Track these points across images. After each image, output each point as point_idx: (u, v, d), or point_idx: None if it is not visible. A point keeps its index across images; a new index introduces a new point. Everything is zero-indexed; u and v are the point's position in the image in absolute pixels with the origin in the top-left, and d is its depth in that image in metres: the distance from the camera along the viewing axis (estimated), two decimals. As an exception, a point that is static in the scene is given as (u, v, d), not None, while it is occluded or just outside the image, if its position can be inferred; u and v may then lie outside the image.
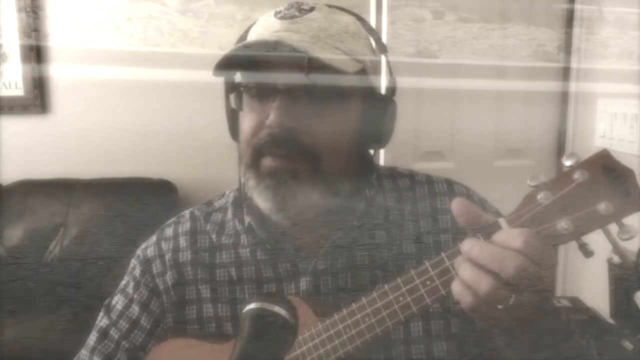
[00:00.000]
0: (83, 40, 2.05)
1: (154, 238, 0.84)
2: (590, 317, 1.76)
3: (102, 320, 0.82)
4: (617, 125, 1.89)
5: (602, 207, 0.55)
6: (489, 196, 0.81)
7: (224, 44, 2.02)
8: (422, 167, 2.05)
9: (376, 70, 0.77)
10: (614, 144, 1.88)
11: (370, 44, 0.76)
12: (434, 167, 2.07)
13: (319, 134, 0.69)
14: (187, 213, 0.85)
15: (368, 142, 0.78)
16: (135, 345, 0.79)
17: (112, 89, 2.10)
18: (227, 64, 0.69)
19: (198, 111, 2.05)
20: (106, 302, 0.84)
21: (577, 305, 1.87)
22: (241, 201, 0.80)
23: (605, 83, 1.99)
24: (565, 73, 2.20)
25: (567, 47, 2.18)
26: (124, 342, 0.80)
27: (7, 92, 2.08)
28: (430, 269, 0.61)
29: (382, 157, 1.88)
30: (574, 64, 2.16)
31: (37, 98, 2.09)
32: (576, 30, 2.13)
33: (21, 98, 2.08)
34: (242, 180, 0.74)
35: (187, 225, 0.83)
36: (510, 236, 0.55)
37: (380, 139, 0.76)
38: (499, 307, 0.55)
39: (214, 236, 0.81)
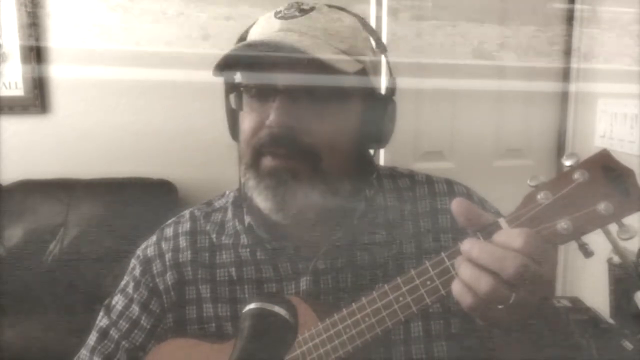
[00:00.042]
0: (83, 40, 2.05)
1: (154, 238, 0.84)
2: (590, 317, 1.76)
3: (102, 320, 0.82)
4: (617, 125, 1.89)
5: (602, 207, 0.55)
6: (489, 196, 0.81)
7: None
8: (422, 167, 2.05)
9: (376, 70, 0.77)
10: (614, 144, 1.88)
11: (371, 44, 0.76)
12: (434, 167, 2.07)
13: (319, 133, 0.69)
14: (187, 213, 0.85)
15: (368, 142, 0.78)
16: (135, 345, 0.79)
17: (112, 89, 2.10)
18: (227, 64, 0.69)
19: (198, 111, 2.05)
20: (106, 302, 0.84)
21: (577, 305, 1.87)
22: (241, 201, 0.80)
23: (605, 83, 1.99)
24: (565, 73, 2.20)
25: (566, 47, 2.18)
26: (123, 342, 0.80)
27: (7, 92, 2.08)
28: (430, 268, 0.61)
29: (382, 157, 1.89)
30: (574, 64, 2.17)
31: (37, 98, 2.09)
32: (576, 30, 2.13)
33: (21, 98, 2.08)
34: (242, 180, 0.74)
35: (187, 225, 0.83)
36: (511, 236, 0.55)
37: (380, 138, 0.76)
38: (499, 307, 0.55)
39: (214, 236, 0.81)
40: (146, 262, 0.82)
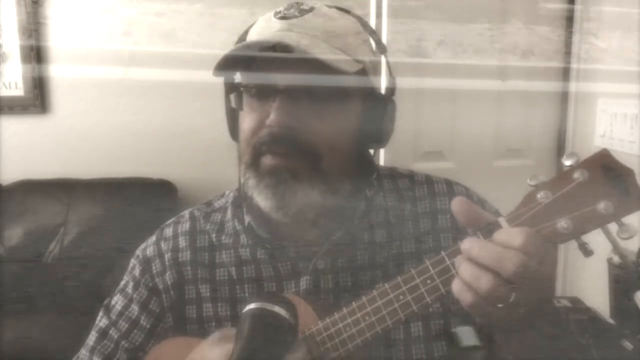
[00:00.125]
0: (83, 39, 2.05)
1: (153, 238, 0.84)
2: (590, 317, 1.76)
3: (101, 320, 0.82)
4: (617, 125, 1.89)
5: (602, 206, 0.55)
6: (489, 196, 0.81)
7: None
8: (422, 167, 2.05)
9: (376, 70, 0.77)
10: (614, 143, 1.88)
11: (370, 44, 0.76)
12: (434, 167, 2.07)
13: (319, 133, 0.69)
14: (186, 213, 0.85)
15: (368, 142, 0.78)
16: (135, 345, 0.79)
17: (112, 89, 2.10)
18: (227, 64, 0.69)
19: (198, 111, 2.05)
20: (106, 302, 0.84)
21: (577, 305, 1.87)
22: (241, 201, 0.80)
23: (605, 83, 1.99)
24: (565, 73, 2.20)
25: (566, 47, 2.18)
26: (123, 342, 0.80)
27: (7, 92, 2.08)
28: (430, 267, 0.61)
29: (382, 157, 1.89)
30: (573, 64, 2.17)
31: (37, 98, 2.09)
32: (576, 30, 2.13)
33: (21, 98, 2.09)
34: (242, 180, 0.74)
35: (187, 225, 0.83)
36: (511, 235, 0.55)
37: (380, 138, 0.77)
38: (499, 305, 0.55)
39: (213, 236, 0.81)
40: (146, 262, 0.82)
